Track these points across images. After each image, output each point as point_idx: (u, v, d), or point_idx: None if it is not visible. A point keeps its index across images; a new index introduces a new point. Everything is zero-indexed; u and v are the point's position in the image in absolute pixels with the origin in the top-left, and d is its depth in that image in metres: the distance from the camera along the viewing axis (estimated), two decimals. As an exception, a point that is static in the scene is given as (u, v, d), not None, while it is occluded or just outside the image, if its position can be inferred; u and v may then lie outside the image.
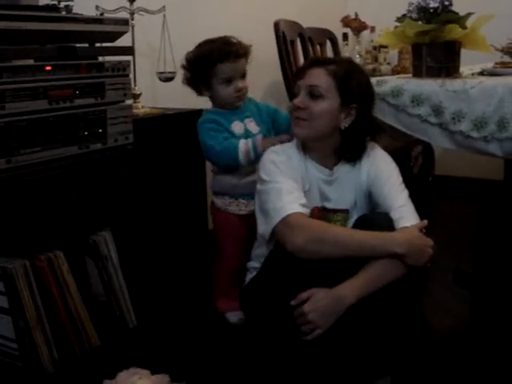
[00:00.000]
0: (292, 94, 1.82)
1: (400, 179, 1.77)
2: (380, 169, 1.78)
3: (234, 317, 2.15)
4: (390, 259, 1.58)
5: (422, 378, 1.67)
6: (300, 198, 1.66)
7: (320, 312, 1.56)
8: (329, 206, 1.79)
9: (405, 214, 1.67)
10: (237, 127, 2.08)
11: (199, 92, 2.11)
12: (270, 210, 1.66)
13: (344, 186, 1.79)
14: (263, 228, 1.71)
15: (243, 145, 2.00)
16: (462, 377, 1.81)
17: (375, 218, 1.71)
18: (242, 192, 2.09)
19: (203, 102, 2.16)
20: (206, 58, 2.03)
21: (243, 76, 2.08)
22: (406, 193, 1.74)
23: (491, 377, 1.81)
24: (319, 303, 1.56)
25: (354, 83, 1.73)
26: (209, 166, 2.27)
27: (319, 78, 1.71)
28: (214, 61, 2.01)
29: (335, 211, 1.79)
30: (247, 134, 2.07)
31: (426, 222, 1.67)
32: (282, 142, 1.86)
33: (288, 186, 1.68)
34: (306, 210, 1.65)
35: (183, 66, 2.10)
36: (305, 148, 1.79)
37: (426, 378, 1.68)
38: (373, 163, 1.79)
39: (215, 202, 2.17)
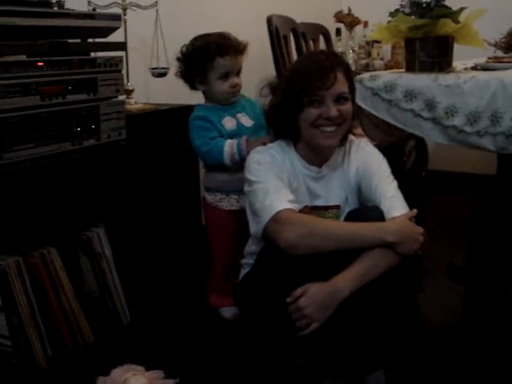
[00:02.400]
0: (296, 101, 1.68)
1: (388, 171, 1.77)
2: (368, 163, 1.78)
3: (227, 312, 2.15)
4: (383, 249, 1.59)
5: (415, 372, 1.67)
6: (287, 194, 1.66)
7: (316, 306, 1.56)
8: (319, 203, 1.78)
9: (394, 205, 1.68)
10: (228, 123, 2.07)
11: (193, 86, 2.09)
12: (259, 210, 1.66)
13: (333, 182, 1.79)
14: (254, 228, 1.71)
15: (228, 148, 1.99)
16: (456, 370, 1.82)
17: (366, 211, 1.71)
18: (233, 188, 2.08)
19: (196, 98, 2.15)
20: (204, 50, 2.01)
21: (238, 72, 2.07)
22: (394, 184, 1.75)
23: (484, 371, 1.82)
24: (314, 297, 1.56)
25: (352, 78, 1.74)
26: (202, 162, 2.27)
27: (343, 82, 1.68)
28: (212, 54, 2.00)
29: (326, 208, 1.79)
30: (240, 129, 2.07)
31: (415, 211, 1.68)
32: (264, 144, 1.85)
33: (274, 184, 1.67)
34: (295, 206, 1.65)
35: (178, 59, 2.08)
36: (294, 147, 1.78)
37: (420, 372, 1.69)
38: (361, 158, 1.79)
39: (206, 198, 2.17)
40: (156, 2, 2.24)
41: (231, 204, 2.11)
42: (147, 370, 1.68)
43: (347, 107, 1.69)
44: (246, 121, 2.10)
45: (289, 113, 1.70)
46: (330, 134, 1.68)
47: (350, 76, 1.72)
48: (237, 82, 2.06)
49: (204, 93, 2.11)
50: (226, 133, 2.04)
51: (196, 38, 2.07)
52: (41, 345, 1.66)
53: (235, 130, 2.06)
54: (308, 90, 1.65)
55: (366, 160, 1.79)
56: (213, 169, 2.11)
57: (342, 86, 1.67)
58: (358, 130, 2.15)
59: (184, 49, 2.06)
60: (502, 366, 1.83)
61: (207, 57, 2.00)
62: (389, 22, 2.10)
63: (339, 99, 1.67)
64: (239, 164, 1.97)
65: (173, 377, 1.70)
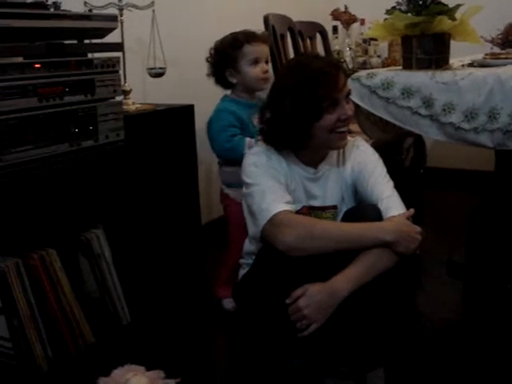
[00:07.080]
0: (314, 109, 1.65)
1: (384, 170, 1.77)
2: (364, 162, 1.78)
3: (229, 303, 2.16)
4: (381, 249, 1.59)
5: (415, 369, 1.68)
6: (284, 196, 1.66)
7: (315, 306, 1.56)
8: (316, 203, 1.78)
9: (391, 204, 1.68)
10: (256, 120, 2.10)
11: (225, 83, 2.17)
12: (256, 213, 1.66)
13: (329, 182, 1.79)
14: (252, 230, 1.71)
15: (249, 142, 2.05)
16: (455, 366, 1.82)
17: (363, 209, 1.71)
18: None
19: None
20: (233, 41, 2.13)
21: (267, 62, 2.17)
22: (391, 183, 1.75)
23: (484, 367, 1.82)
24: (314, 298, 1.56)
25: None
26: (200, 161, 2.28)
27: (346, 79, 1.71)
28: (241, 42, 2.11)
29: (323, 209, 1.79)
30: None
31: (412, 210, 1.68)
32: None
33: (271, 186, 1.67)
34: (292, 207, 1.65)
35: (208, 59, 2.18)
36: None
37: (419, 369, 1.69)
38: (356, 157, 1.79)
39: (229, 194, 2.19)
40: (152, 3, 2.23)
41: None
42: (148, 370, 1.68)
43: (352, 103, 1.72)
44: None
45: (303, 124, 1.67)
46: (344, 134, 1.70)
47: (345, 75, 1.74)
48: (267, 68, 2.15)
49: (235, 86, 2.17)
50: (255, 130, 2.07)
51: (224, 37, 2.18)
52: (41, 346, 1.66)
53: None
54: (327, 94, 1.63)
55: (361, 160, 1.78)
56: (231, 163, 2.12)
57: (347, 84, 1.69)
58: (355, 127, 2.15)
59: (214, 46, 2.17)
60: (501, 362, 1.83)
61: (236, 46, 2.11)
62: (385, 19, 2.10)
63: (347, 97, 1.69)
64: None
65: (173, 377, 1.69)
